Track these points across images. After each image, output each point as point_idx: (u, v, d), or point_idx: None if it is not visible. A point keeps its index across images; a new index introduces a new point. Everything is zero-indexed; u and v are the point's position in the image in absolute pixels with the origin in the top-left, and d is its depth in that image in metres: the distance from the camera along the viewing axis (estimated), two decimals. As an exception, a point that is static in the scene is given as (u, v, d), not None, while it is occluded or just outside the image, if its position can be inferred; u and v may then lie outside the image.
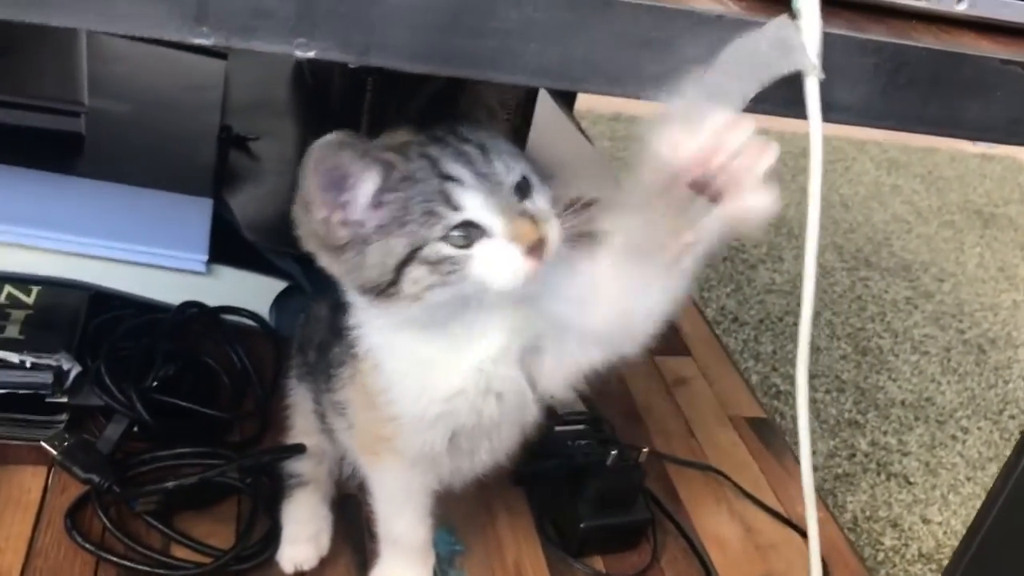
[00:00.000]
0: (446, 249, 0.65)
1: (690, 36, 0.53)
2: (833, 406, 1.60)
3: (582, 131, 1.64)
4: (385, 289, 0.66)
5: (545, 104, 1.49)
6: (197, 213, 1.04)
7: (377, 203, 0.65)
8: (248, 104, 1.30)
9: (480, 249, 0.65)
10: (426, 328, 0.71)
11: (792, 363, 1.75)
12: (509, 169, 0.67)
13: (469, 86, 0.73)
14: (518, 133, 1.34)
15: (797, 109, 0.57)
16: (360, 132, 1.04)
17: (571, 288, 0.70)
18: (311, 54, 0.50)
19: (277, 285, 1.05)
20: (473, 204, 0.65)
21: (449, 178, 0.66)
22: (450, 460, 0.78)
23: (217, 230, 1.05)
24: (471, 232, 0.65)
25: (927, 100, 0.59)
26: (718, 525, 1.01)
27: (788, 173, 2.50)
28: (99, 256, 0.98)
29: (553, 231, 0.66)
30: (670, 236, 0.60)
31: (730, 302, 1.82)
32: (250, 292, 1.02)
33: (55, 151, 1.07)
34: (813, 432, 1.53)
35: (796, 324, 1.93)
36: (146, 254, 0.99)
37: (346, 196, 0.65)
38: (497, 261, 0.65)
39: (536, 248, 0.65)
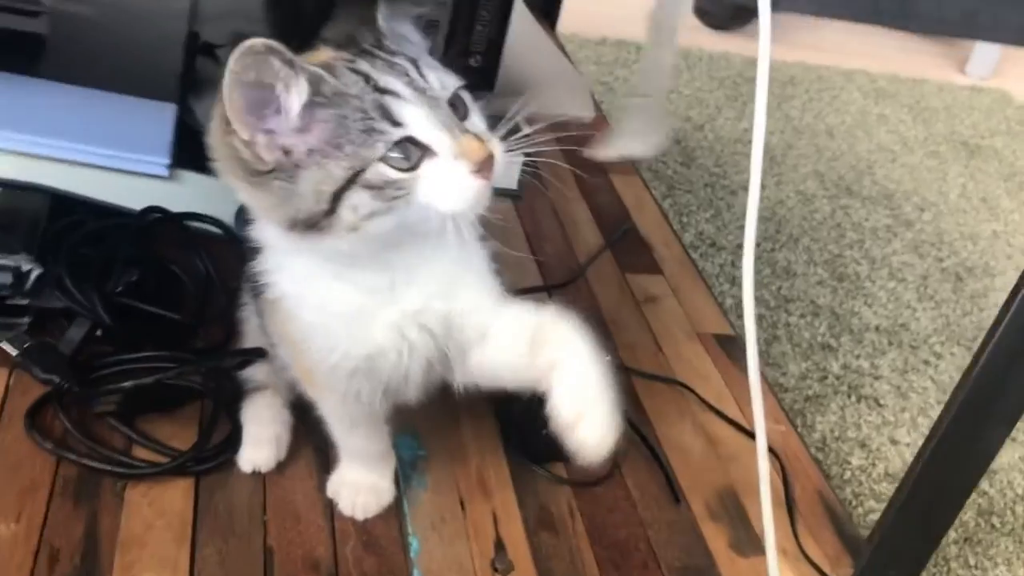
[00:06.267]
0: (390, 172, 0.61)
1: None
2: (807, 330, 1.60)
3: (562, 49, 1.62)
4: (318, 220, 0.62)
5: (523, 19, 1.46)
6: (161, 118, 1.03)
7: (307, 123, 0.60)
8: (218, 12, 1.27)
9: (427, 170, 0.62)
10: (351, 267, 0.67)
11: (768, 287, 1.76)
12: (443, 84, 0.64)
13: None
14: (491, 45, 1.32)
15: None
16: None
17: (477, 324, 0.72)
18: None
19: (242, 192, 1.04)
20: (415, 119, 0.61)
21: (386, 91, 0.61)
22: (383, 397, 0.77)
23: (182, 136, 1.03)
24: (411, 151, 0.61)
25: (883, -10, 0.57)
26: (681, 436, 1.02)
27: (774, 101, 2.48)
28: (60, 158, 0.97)
29: (498, 149, 0.64)
30: None
31: (709, 227, 1.81)
32: (214, 198, 1.01)
33: (14, 52, 1.05)
34: (785, 355, 1.53)
35: (774, 249, 1.92)
36: (108, 157, 0.97)
37: (271, 114, 0.60)
38: (445, 182, 0.62)
39: (484, 166, 0.62)
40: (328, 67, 0.62)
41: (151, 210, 1.00)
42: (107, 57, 1.10)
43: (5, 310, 0.90)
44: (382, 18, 0.67)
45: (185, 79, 1.11)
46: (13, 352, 0.88)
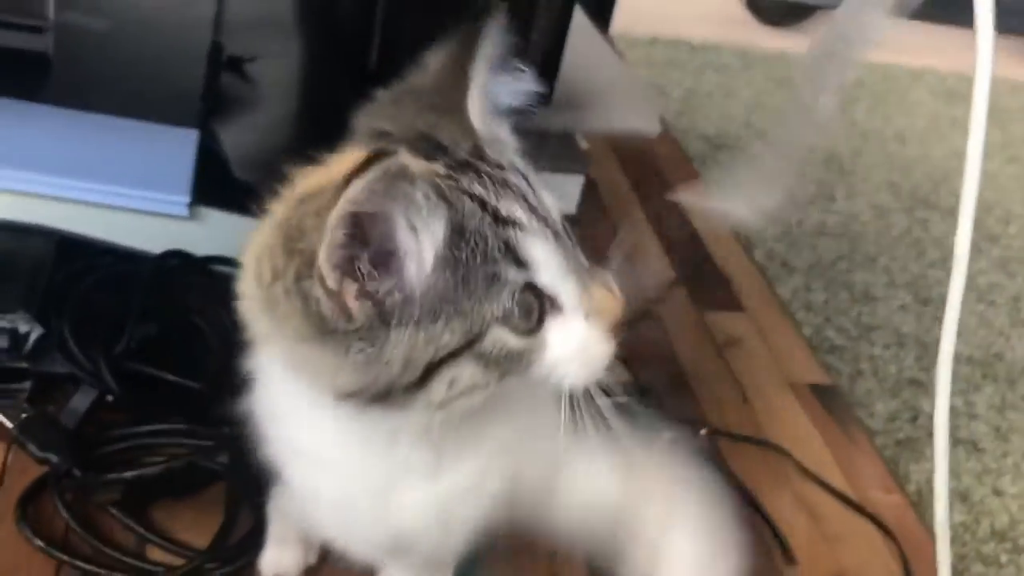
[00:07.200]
0: (511, 339, 0.44)
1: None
2: (893, 363, 1.45)
3: (619, 55, 1.48)
4: (395, 392, 0.44)
5: (579, 22, 1.33)
6: (179, 147, 0.90)
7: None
8: (245, 21, 1.15)
9: (553, 333, 0.46)
10: (395, 442, 0.50)
11: (847, 314, 1.62)
12: (554, 206, 0.48)
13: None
14: (549, 56, 1.19)
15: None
16: (370, 56, 0.87)
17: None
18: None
19: (273, 231, 0.91)
20: (543, 259, 0.45)
21: (507, 222, 0.44)
22: None
23: (205, 167, 0.91)
24: (532, 305, 0.45)
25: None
26: (780, 511, 0.87)
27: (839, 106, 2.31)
28: (66, 197, 0.84)
29: None
30: None
31: (778, 246, 1.66)
32: (243, 239, 0.88)
33: (15, 73, 0.93)
34: (871, 392, 1.39)
35: (850, 270, 1.76)
36: (120, 195, 0.85)
37: (384, 258, 0.43)
38: (575, 349, 0.46)
39: (618, 326, 0.47)
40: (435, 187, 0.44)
41: (170, 254, 0.87)
42: (119, 78, 0.98)
43: (3, 375, 0.78)
44: (476, 113, 0.49)
45: (208, 100, 0.98)
46: (9, 424, 0.76)
